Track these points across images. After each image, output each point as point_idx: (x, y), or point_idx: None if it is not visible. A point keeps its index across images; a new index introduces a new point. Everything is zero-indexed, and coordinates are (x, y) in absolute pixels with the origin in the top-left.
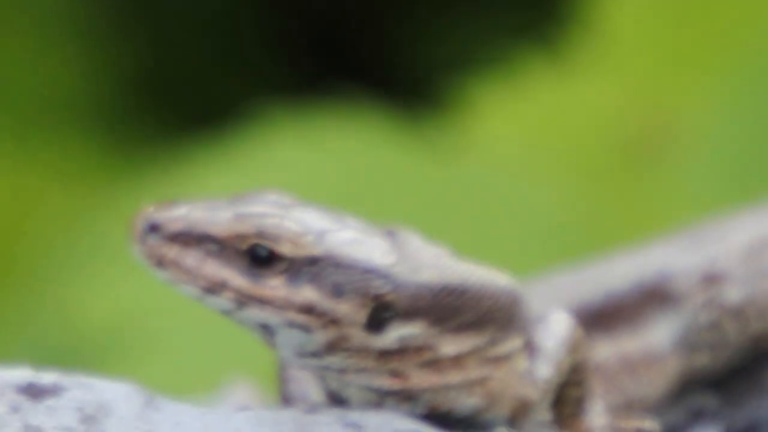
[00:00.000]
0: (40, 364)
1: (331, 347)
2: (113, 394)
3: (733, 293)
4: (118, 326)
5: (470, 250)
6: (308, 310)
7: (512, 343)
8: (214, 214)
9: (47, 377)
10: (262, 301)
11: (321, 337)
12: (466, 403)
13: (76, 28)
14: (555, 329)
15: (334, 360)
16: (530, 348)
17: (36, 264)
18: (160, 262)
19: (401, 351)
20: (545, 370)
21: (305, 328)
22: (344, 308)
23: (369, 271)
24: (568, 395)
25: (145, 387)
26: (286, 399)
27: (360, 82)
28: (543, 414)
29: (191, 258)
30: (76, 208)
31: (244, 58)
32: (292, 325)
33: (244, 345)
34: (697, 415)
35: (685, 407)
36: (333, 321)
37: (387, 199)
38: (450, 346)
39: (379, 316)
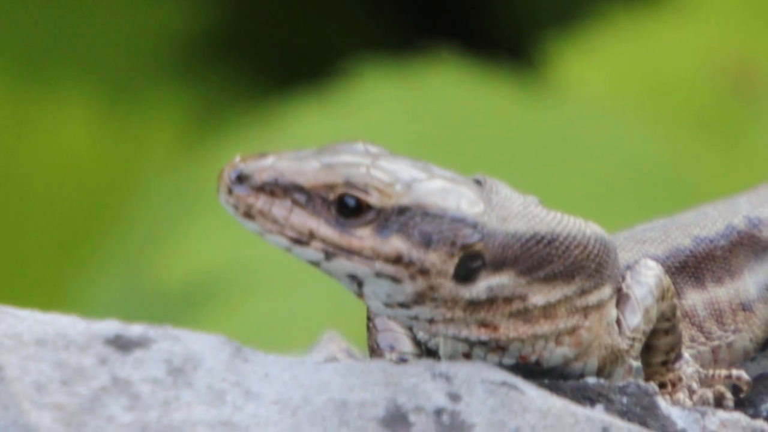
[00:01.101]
0: (128, 316)
1: (420, 297)
2: (201, 345)
3: None
4: (207, 279)
5: (561, 195)
6: (396, 260)
7: (601, 293)
8: (302, 164)
9: (135, 329)
10: (351, 252)
11: (409, 287)
12: (556, 352)
13: None
14: (643, 278)
15: (423, 310)
16: (619, 297)
17: (130, 215)
18: (248, 213)
19: (490, 301)
20: (634, 318)
21: (394, 279)
22: (433, 258)
23: (457, 221)
24: (657, 343)
25: (234, 339)
26: (374, 350)
27: (453, 39)
28: (632, 363)
29: (279, 208)
30: (171, 161)
31: (338, 14)
32: (380, 275)
33: (335, 297)
34: None
35: None
36: (421, 271)
37: (480, 146)
38: (539, 295)
39: (468, 266)
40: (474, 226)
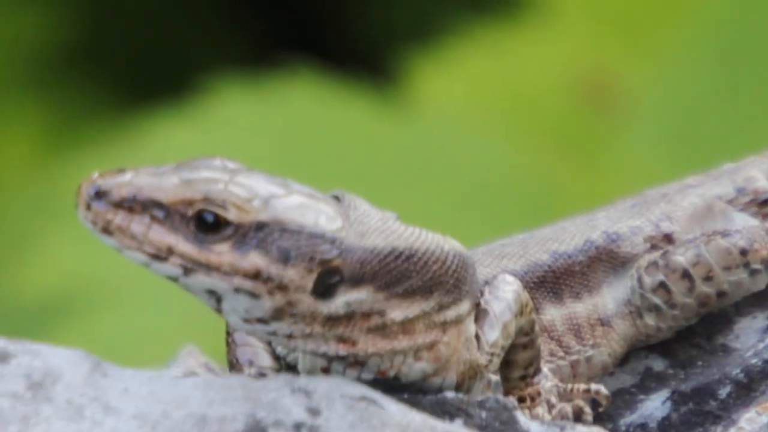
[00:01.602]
0: None
1: (278, 313)
2: (60, 360)
3: (679, 255)
4: (66, 293)
5: (420, 210)
6: (255, 275)
7: (459, 308)
8: (160, 180)
9: None
10: (209, 267)
11: (268, 302)
12: (414, 367)
13: None
14: (501, 293)
15: (281, 326)
16: (478, 312)
17: None
18: (106, 229)
19: (348, 316)
20: (492, 333)
21: (252, 294)
22: (291, 274)
23: (316, 237)
24: (515, 358)
25: (93, 353)
26: (233, 365)
27: (311, 52)
28: (491, 377)
29: (137, 224)
30: (27, 174)
31: (196, 26)
32: (238, 290)
33: (195, 312)
34: (645, 379)
35: (633, 370)
36: (280, 287)
37: (339, 162)
38: (397, 311)
39: (326, 281)
40: (332, 241)
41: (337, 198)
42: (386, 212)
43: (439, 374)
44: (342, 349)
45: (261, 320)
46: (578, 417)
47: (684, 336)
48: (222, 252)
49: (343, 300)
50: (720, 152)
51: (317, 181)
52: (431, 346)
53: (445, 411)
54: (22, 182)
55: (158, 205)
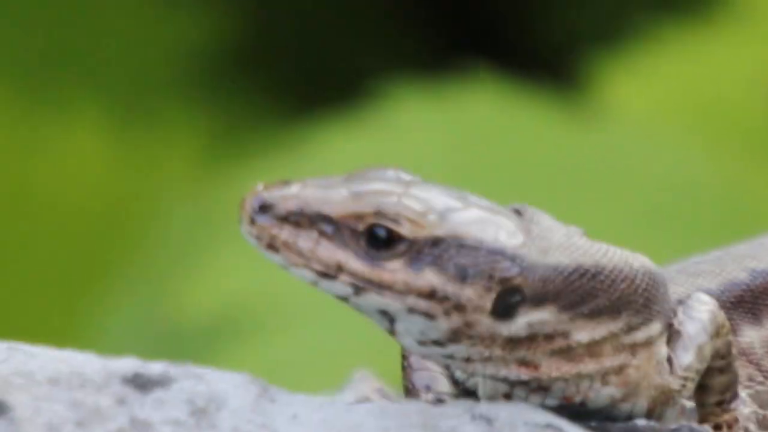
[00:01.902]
0: (147, 353)
1: (455, 335)
2: (225, 384)
3: None
4: (231, 314)
5: (606, 224)
6: (430, 294)
7: (650, 329)
8: (329, 193)
9: (155, 367)
10: (381, 286)
11: (444, 324)
12: (602, 393)
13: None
14: (696, 313)
15: (459, 348)
16: (670, 334)
17: (148, 243)
18: (272, 244)
19: (530, 338)
20: (686, 356)
21: (427, 315)
22: (469, 293)
23: (495, 253)
24: (711, 383)
25: (260, 377)
26: (410, 390)
27: (490, 56)
28: (685, 403)
29: (304, 240)
30: (190, 185)
31: (368, 30)
32: (413, 311)
33: (368, 333)
34: None
35: None
36: (457, 306)
37: (519, 171)
38: (583, 332)
39: (507, 301)
40: (513, 258)
41: (518, 212)
42: (571, 227)
43: (628, 400)
44: (524, 374)
45: (437, 342)
46: None
47: None
48: (395, 270)
49: (524, 321)
50: None
51: (496, 192)
52: (620, 370)
53: None
54: (185, 194)
55: (327, 219)
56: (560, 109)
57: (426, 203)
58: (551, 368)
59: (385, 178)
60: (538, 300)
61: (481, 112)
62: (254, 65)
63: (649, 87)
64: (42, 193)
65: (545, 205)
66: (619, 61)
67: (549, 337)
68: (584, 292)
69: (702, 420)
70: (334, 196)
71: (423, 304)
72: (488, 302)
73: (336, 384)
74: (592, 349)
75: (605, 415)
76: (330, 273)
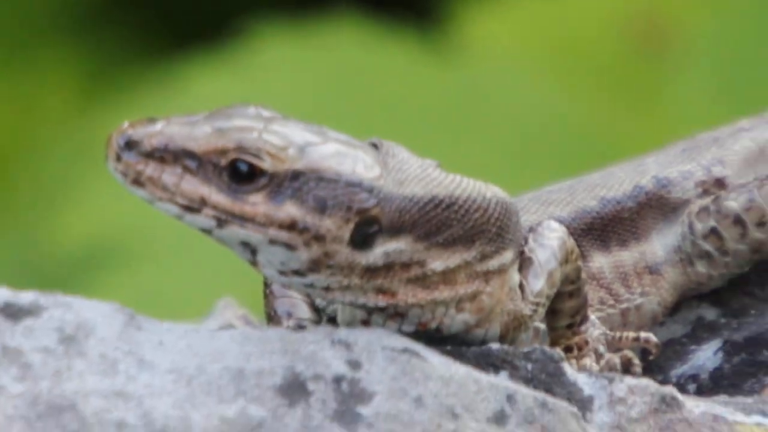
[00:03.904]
0: (18, 283)
1: (315, 264)
2: (94, 313)
3: (732, 200)
4: (102, 245)
5: (468, 157)
6: (291, 226)
7: (503, 257)
8: (193, 129)
9: (25, 296)
10: (243, 219)
11: (304, 254)
12: (456, 319)
13: None
14: (546, 240)
15: (319, 278)
16: (522, 261)
17: (23, 177)
18: (137, 180)
19: (387, 267)
20: (537, 283)
21: (288, 246)
22: (328, 224)
23: (353, 185)
24: (561, 307)
25: (128, 307)
26: (272, 317)
27: None
28: (539, 326)
29: (169, 175)
30: (65, 122)
31: None
32: (274, 242)
33: (232, 264)
34: (696, 329)
35: (684, 320)
36: (316, 237)
37: (384, 108)
38: (438, 261)
39: (364, 231)
40: (370, 190)
41: (374, 146)
42: (426, 160)
43: (482, 325)
44: (381, 301)
45: (297, 272)
46: (627, 368)
47: (736, 284)
48: (256, 203)
49: (381, 250)
50: None
51: (360, 127)
52: (474, 297)
53: (489, 363)
54: (61, 132)
55: (190, 155)
56: (423, 47)
57: (286, 138)
58: (407, 295)
59: (246, 114)
60: (395, 230)
61: (345, 50)
62: (125, 7)
63: (508, 26)
64: None
65: (408, 139)
66: (480, 1)
67: (405, 265)
68: (439, 222)
69: (553, 343)
70: (197, 133)
71: (284, 235)
72: (346, 233)
73: (201, 312)
74: (447, 276)
75: (460, 340)
76: (194, 206)
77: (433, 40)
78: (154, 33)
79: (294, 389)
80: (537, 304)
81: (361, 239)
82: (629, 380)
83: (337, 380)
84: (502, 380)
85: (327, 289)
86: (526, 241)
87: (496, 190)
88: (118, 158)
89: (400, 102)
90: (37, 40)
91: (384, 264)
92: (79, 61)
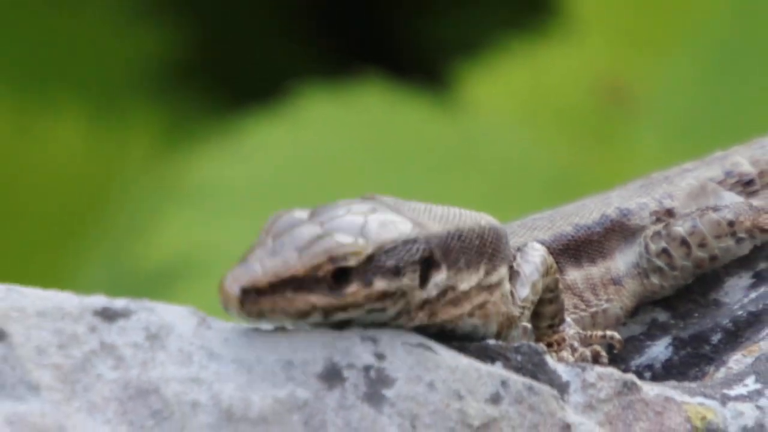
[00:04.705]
0: (113, 293)
1: (399, 313)
2: (173, 316)
3: (679, 226)
4: (179, 262)
5: (468, 194)
6: (382, 296)
7: (499, 272)
8: (284, 258)
9: (119, 302)
10: (346, 307)
11: (392, 310)
12: (468, 322)
13: (143, 14)
14: (530, 257)
15: (396, 320)
16: (511, 273)
17: (115, 210)
18: (260, 314)
19: (438, 296)
20: (523, 290)
21: (381, 310)
22: (406, 281)
23: (408, 242)
24: (543, 311)
25: (200, 311)
26: None
27: (381, 64)
28: (527, 326)
29: (283, 300)
30: (147, 164)
31: (283, 43)
32: (370, 312)
33: None
34: (651, 328)
35: (641, 321)
36: (402, 294)
37: (402, 155)
38: (464, 283)
39: (426, 273)
40: (417, 239)
41: (372, 200)
42: (411, 201)
43: (485, 327)
44: (427, 321)
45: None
46: (596, 359)
47: (683, 292)
48: (354, 291)
49: (433, 283)
50: (713, 143)
51: (382, 171)
52: (482, 306)
53: (487, 355)
54: (145, 171)
55: (295, 279)
56: (433, 105)
57: (351, 232)
58: (444, 314)
59: (300, 225)
60: (437, 264)
61: (373, 107)
62: (197, 70)
63: (501, 87)
64: (32, 171)
65: (421, 181)
66: (479, 68)
67: (445, 291)
68: (461, 250)
69: (537, 339)
70: (290, 259)
71: (378, 304)
72: (417, 280)
73: None
74: (468, 293)
75: (465, 337)
76: (306, 312)
77: (442, 100)
78: (219, 93)
79: (332, 376)
80: (524, 307)
81: (423, 279)
82: (598, 369)
83: (367, 368)
84: (498, 369)
85: (393, 320)
86: (515, 258)
87: (489, 217)
88: (242, 304)
89: (414, 149)
90: (127, 98)
91: (436, 294)
92: (159, 116)
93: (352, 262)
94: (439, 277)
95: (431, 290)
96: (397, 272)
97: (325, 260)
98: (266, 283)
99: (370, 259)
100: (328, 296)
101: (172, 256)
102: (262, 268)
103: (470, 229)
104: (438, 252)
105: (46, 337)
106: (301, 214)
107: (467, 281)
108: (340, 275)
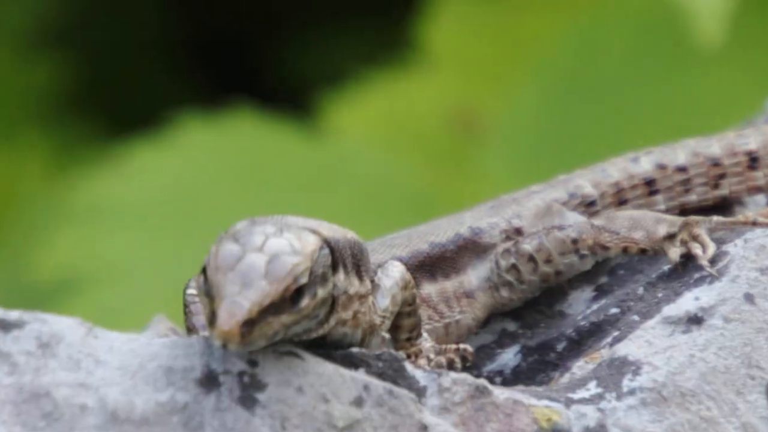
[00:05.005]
0: (7, 304)
1: (323, 317)
2: (62, 326)
3: (527, 244)
4: (69, 275)
5: (331, 212)
6: (321, 303)
7: (366, 283)
8: (259, 287)
9: (13, 314)
10: (300, 321)
11: (322, 314)
12: (339, 331)
13: (35, 50)
14: (390, 272)
15: (323, 323)
16: (373, 286)
17: (9, 228)
18: (251, 343)
19: (339, 296)
20: (384, 301)
21: (316, 316)
22: (329, 285)
23: (322, 249)
24: (402, 323)
25: (87, 321)
26: (191, 329)
27: (251, 93)
28: (385, 335)
29: (266, 325)
30: (40, 186)
31: (164, 76)
32: (312, 319)
33: (165, 289)
34: (501, 337)
35: (492, 330)
36: (327, 298)
37: (272, 178)
38: (352, 287)
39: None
40: (323, 247)
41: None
42: (291, 216)
43: (352, 335)
44: (333, 324)
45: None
46: (451, 366)
47: (530, 304)
48: (307, 304)
49: (337, 284)
50: (553, 166)
51: (255, 195)
52: (354, 315)
53: (351, 362)
54: (37, 192)
55: (272, 305)
56: (301, 132)
57: (290, 252)
58: (343, 314)
59: (243, 256)
60: (336, 267)
61: (244, 134)
62: (85, 100)
63: (362, 116)
64: None
65: (290, 201)
66: (342, 97)
67: (344, 292)
68: (347, 256)
69: (396, 351)
70: (265, 288)
71: (317, 311)
72: (332, 283)
73: (141, 325)
74: (352, 297)
75: (331, 345)
76: (276, 333)
77: (308, 127)
78: (105, 120)
79: (209, 381)
80: (384, 317)
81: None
82: (453, 374)
83: (241, 374)
84: (360, 375)
85: (319, 325)
86: (376, 273)
87: (353, 233)
88: (243, 338)
89: (283, 171)
90: (22, 125)
91: (338, 295)
92: (51, 141)
93: (304, 278)
94: (339, 279)
95: (337, 291)
96: (324, 279)
97: (291, 281)
98: (256, 313)
99: (312, 272)
100: (291, 313)
101: (63, 269)
102: (248, 301)
103: (347, 239)
104: (336, 255)
105: None
106: (231, 246)
107: (353, 285)
108: (296, 293)
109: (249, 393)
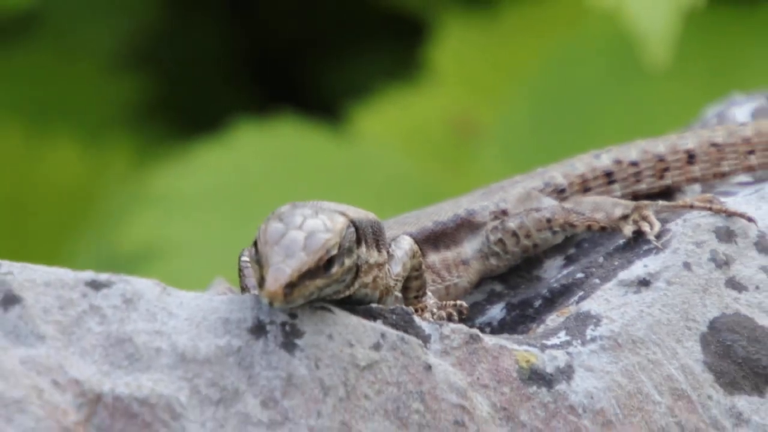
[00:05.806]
0: (99, 269)
1: (349, 282)
2: (142, 285)
3: (511, 222)
4: (147, 247)
5: (355, 199)
6: (348, 271)
7: (383, 254)
8: (299, 257)
9: (103, 276)
10: (330, 284)
11: (348, 280)
12: (361, 292)
13: (122, 66)
14: (402, 245)
15: (348, 287)
16: (388, 256)
17: (101, 211)
18: (291, 301)
19: (361, 265)
20: (397, 268)
21: (344, 281)
22: (354, 256)
23: (348, 228)
24: (410, 285)
25: (161, 282)
26: (244, 288)
27: (295, 103)
28: (398, 294)
29: (304, 287)
30: (126, 179)
31: (225, 89)
32: (340, 283)
33: (222, 259)
34: (490, 296)
35: (482, 291)
36: (352, 267)
37: (313, 173)
38: (372, 258)
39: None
40: (350, 226)
41: (298, 204)
42: (324, 201)
43: (372, 294)
44: (356, 287)
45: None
46: (450, 319)
47: (514, 270)
48: (336, 271)
49: (360, 256)
50: (541, 163)
51: (298, 184)
52: (374, 279)
53: (371, 315)
54: (122, 182)
55: (309, 271)
56: (333, 136)
57: (324, 230)
58: (365, 279)
59: (285, 232)
60: (359, 242)
61: (287, 137)
62: (161, 108)
63: (382, 122)
64: (43, 183)
65: (322, 193)
66: (367, 107)
67: (366, 261)
68: (368, 233)
69: (406, 306)
70: (305, 258)
71: (344, 277)
72: (356, 255)
73: (205, 286)
74: (372, 266)
75: (355, 302)
76: (312, 293)
77: (338, 131)
78: (177, 125)
79: (258, 330)
80: (397, 280)
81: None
82: (451, 325)
83: (283, 324)
84: (378, 325)
85: (346, 288)
86: (391, 245)
87: (373, 214)
88: (286, 297)
89: (317, 169)
90: (110, 128)
91: (360, 264)
92: (133, 142)
93: (335, 250)
94: (362, 251)
95: (360, 261)
96: (350, 251)
97: (324, 253)
98: (296, 278)
99: (340, 246)
100: (324, 278)
101: (141, 244)
102: (290, 268)
103: (368, 219)
104: (360, 232)
105: (50, 301)
106: (277, 224)
107: (373, 256)
108: (328, 262)
109: (290, 339)
